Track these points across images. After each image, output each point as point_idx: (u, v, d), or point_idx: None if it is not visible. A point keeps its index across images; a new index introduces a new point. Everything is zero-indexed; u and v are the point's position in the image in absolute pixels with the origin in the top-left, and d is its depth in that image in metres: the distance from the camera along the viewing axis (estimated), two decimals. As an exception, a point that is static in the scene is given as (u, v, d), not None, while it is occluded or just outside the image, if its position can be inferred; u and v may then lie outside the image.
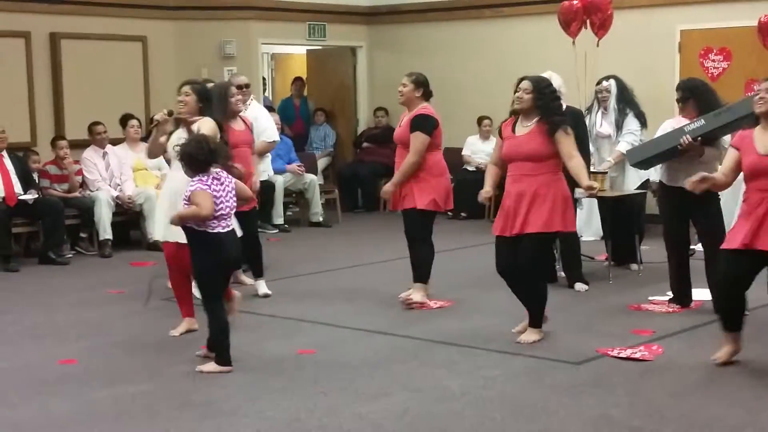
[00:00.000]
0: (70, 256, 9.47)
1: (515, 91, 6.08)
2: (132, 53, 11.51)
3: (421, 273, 7.19)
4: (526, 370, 5.54)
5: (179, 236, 5.83)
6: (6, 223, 9.06)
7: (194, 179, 5.45)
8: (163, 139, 6.50)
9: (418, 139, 6.92)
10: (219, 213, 5.44)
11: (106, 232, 9.70)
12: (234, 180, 5.62)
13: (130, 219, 10.16)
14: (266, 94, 14.29)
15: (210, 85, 7.40)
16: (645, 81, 9.65)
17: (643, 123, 8.39)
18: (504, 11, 12.22)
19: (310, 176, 11.55)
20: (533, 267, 6.07)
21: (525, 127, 6.05)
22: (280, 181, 10.97)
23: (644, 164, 7.20)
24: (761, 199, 5.40)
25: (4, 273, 8.77)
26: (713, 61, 10.47)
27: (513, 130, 6.12)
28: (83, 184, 10.00)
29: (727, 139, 6.68)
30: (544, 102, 5.98)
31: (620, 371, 5.47)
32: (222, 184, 5.49)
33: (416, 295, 7.13)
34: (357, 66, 13.54)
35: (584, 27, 9.88)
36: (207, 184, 5.42)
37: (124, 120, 10.47)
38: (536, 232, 5.92)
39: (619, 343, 5.98)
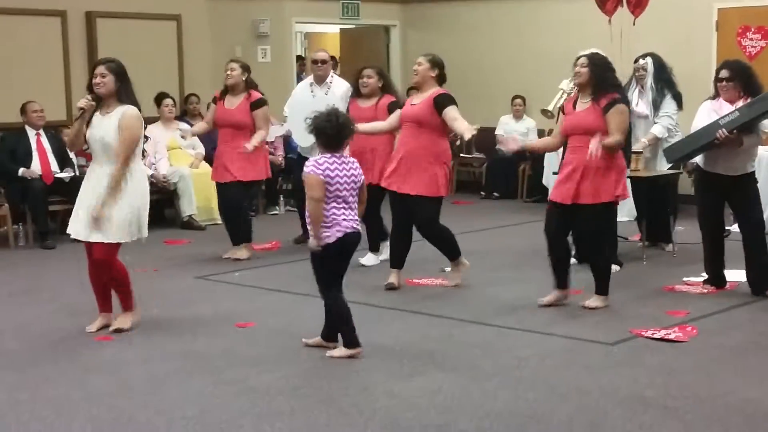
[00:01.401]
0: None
1: (573, 65, 6.40)
2: (166, 32, 11.55)
3: (453, 249, 7.15)
4: (559, 350, 5.53)
5: (100, 236, 5.80)
6: (43, 201, 9.14)
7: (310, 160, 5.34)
8: (85, 128, 5.94)
9: (456, 110, 6.84)
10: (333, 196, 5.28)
11: (143, 211, 9.75)
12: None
13: (164, 197, 10.22)
14: (303, 74, 14.27)
15: None
16: (682, 60, 9.52)
17: (680, 104, 8.27)
18: (539, -10, 12.13)
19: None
20: (597, 235, 6.39)
21: (584, 103, 6.35)
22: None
23: (682, 160, 7.24)
24: None
25: (41, 250, 8.86)
26: (751, 39, 10.33)
27: (574, 107, 6.41)
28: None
29: (765, 123, 6.64)
30: (599, 73, 6.28)
31: (654, 352, 5.45)
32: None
33: (456, 275, 7.15)
34: (390, 45, 13.50)
35: (620, 5, 9.78)
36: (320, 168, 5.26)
37: (159, 99, 10.52)
38: (592, 203, 6.21)
39: (653, 324, 5.95)
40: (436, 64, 6.98)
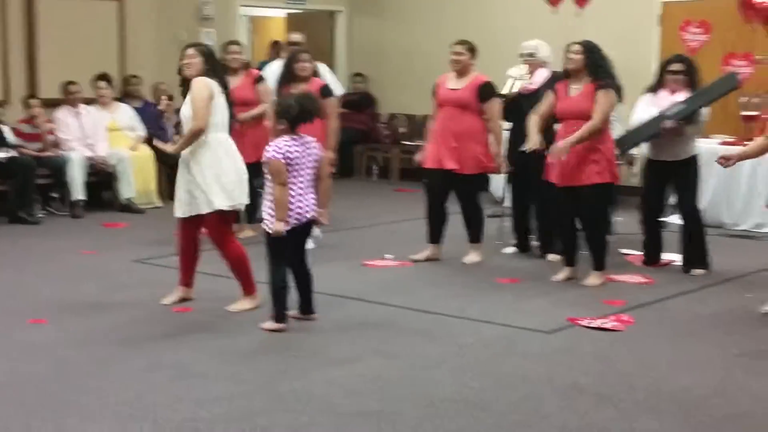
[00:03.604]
0: (41, 216, 9.39)
1: (566, 52, 6.64)
2: (108, 13, 11.38)
3: (481, 231, 7.54)
4: (499, 338, 5.55)
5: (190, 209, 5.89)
6: (-23, 182, 8.97)
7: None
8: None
9: (498, 106, 7.33)
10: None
11: (78, 193, 9.63)
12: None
13: (102, 180, 10.08)
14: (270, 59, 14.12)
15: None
16: (625, 52, 9.61)
17: (619, 95, 8.26)
18: (486, -22, 12.15)
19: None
20: (596, 215, 6.70)
21: (576, 89, 6.63)
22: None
23: (628, 149, 7.56)
24: None
25: (-25, 231, 8.70)
26: (693, 33, 10.43)
27: (566, 92, 6.66)
28: (56, 144, 9.89)
29: (704, 112, 6.91)
30: (593, 61, 6.58)
31: (591, 341, 5.50)
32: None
33: (476, 256, 7.47)
34: (335, 30, 13.44)
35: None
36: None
37: (98, 80, 10.36)
38: (593, 184, 6.54)
39: (590, 313, 6.00)
40: (474, 49, 7.41)
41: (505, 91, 7.51)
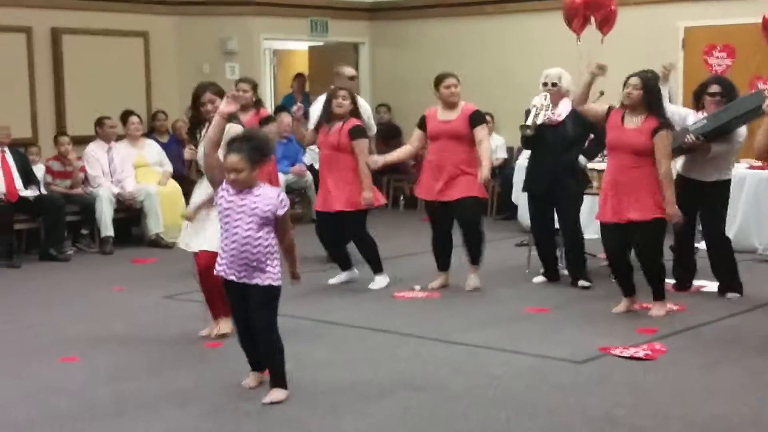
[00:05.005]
0: (70, 252, 9.45)
1: (624, 87, 6.53)
2: (133, 49, 11.48)
3: (478, 254, 7.55)
4: (529, 369, 5.51)
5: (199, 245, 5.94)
6: (7, 219, 9.04)
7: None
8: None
9: (485, 130, 7.48)
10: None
11: (107, 229, 9.69)
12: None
13: (131, 216, 10.14)
14: (292, 91, 14.19)
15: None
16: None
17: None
18: (506, 7, 12.18)
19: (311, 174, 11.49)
20: (652, 250, 6.63)
21: (633, 122, 6.53)
22: (282, 180, 10.92)
23: None
24: None
25: (5, 269, 8.75)
26: (717, 58, 10.43)
27: (622, 121, 6.57)
28: (85, 180, 9.97)
29: (741, 132, 6.86)
30: (653, 95, 6.52)
31: (623, 370, 5.45)
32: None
33: (474, 280, 7.51)
34: (359, 62, 13.50)
35: (588, 23, 9.84)
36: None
37: (125, 116, 10.46)
38: (649, 219, 6.47)
39: (622, 341, 5.95)
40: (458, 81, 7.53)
41: (528, 121, 7.47)
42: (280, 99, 14.19)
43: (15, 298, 7.61)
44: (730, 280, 7.16)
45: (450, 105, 7.44)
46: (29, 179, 9.41)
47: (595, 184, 7.76)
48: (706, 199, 7.05)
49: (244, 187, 4.84)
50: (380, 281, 7.74)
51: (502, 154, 11.88)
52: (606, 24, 9.76)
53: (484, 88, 12.06)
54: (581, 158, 7.46)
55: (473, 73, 12.41)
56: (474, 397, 5.00)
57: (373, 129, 8.53)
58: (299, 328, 6.46)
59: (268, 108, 10.83)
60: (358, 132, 7.63)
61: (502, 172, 11.48)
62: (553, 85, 7.45)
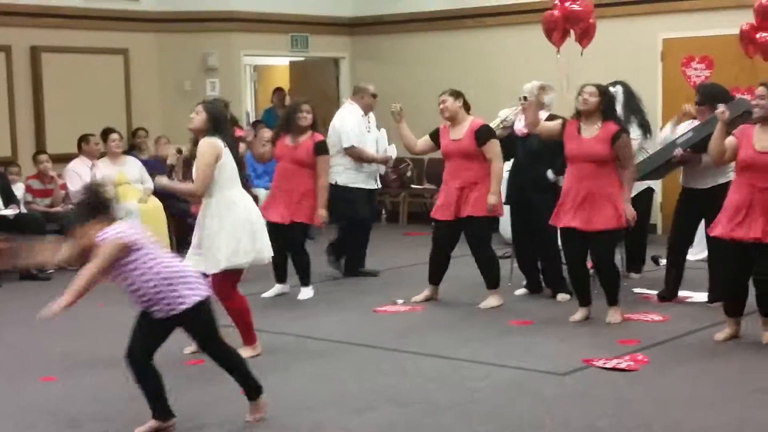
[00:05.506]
0: (52, 271, 9.38)
1: (578, 95, 6.66)
2: (114, 66, 11.46)
3: (497, 277, 7.48)
4: (512, 381, 5.51)
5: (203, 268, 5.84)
6: (-13, 239, 8.98)
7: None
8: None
9: (497, 146, 7.32)
10: None
11: (88, 247, 9.62)
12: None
13: (113, 233, 10.08)
14: (247, 109, 14.23)
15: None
16: (627, 90, 9.64)
17: (646, 131, 8.24)
18: (486, 21, 12.22)
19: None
20: (610, 257, 6.75)
21: (589, 131, 6.62)
22: (262, 194, 10.90)
23: (649, 177, 7.65)
24: (750, 193, 5.91)
25: (-15, 289, 8.70)
26: (695, 69, 10.49)
27: (578, 131, 6.64)
28: (66, 198, 9.92)
29: (729, 140, 6.87)
30: (607, 103, 6.67)
31: (606, 382, 5.45)
32: None
33: (495, 300, 7.42)
34: (340, 77, 13.51)
35: (568, 36, 9.88)
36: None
37: (105, 134, 10.41)
38: (606, 229, 6.56)
39: (604, 353, 5.96)
40: (458, 93, 7.44)
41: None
42: (261, 113, 14.20)
43: (-5, 318, 7.56)
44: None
45: (452, 121, 7.40)
46: (9, 199, 9.35)
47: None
48: (708, 206, 6.95)
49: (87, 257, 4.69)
50: (307, 293, 7.84)
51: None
52: (585, 37, 9.79)
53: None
54: (549, 173, 7.45)
55: (453, 86, 12.39)
56: (458, 411, 4.99)
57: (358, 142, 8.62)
58: (282, 344, 6.45)
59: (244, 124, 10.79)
60: (324, 148, 7.82)
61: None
62: (525, 99, 7.48)
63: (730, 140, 6.10)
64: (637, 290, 7.73)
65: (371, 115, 8.83)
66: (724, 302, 6.27)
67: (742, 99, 7.51)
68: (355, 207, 8.55)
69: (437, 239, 7.59)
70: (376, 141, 8.82)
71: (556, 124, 6.89)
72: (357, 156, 8.53)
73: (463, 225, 7.38)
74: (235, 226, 5.89)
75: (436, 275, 7.65)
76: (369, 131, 8.70)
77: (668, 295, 7.38)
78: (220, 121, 5.93)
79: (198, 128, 5.90)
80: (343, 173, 8.55)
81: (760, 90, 5.98)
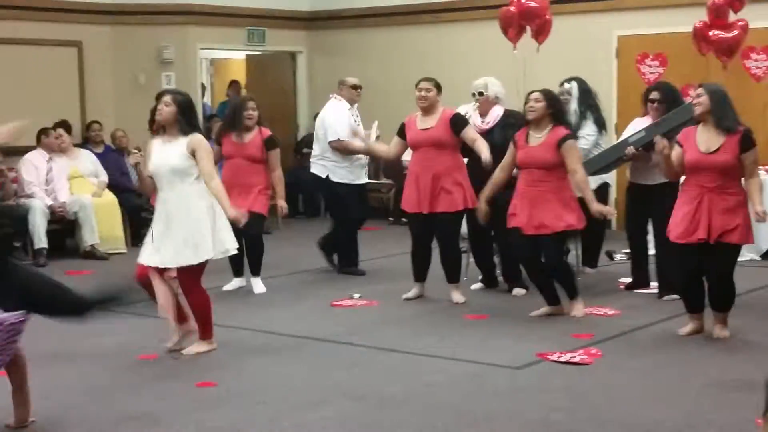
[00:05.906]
0: (3, 265, 9.26)
1: (525, 103, 6.68)
2: (67, 59, 11.32)
3: (457, 272, 7.48)
4: (467, 375, 5.53)
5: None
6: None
7: None
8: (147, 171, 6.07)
9: (473, 130, 7.31)
10: None
11: (40, 241, 9.53)
12: None
13: (65, 227, 9.98)
14: (205, 100, 14.17)
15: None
16: (583, 86, 9.71)
17: (602, 127, 8.28)
18: (443, 17, 12.25)
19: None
20: (560, 256, 6.96)
21: (537, 138, 6.68)
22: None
23: (600, 172, 7.74)
24: (700, 194, 6.01)
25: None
26: (649, 66, 10.60)
27: (526, 140, 6.70)
28: (17, 192, 9.79)
29: (676, 152, 6.95)
30: (556, 108, 6.74)
31: (560, 375, 5.49)
32: None
33: (459, 296, 7.40)
34: (297, 71, 13.47)
35: (524, 32, 9.92)
36: None
37: (57, 127, 10.29)
38: (555, 232, 6.65)
39: (558, 347, 6.00)
40: (439, 86, 7.35)
41: None
42: (217, 106, 14.13)
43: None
44: (670, 282, 7.19)
45: (425, 111, 7.33)
46: (-41, 192, 9.22)
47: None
48: (654, 202, 7.15)
49: None
50: (258, 284, 7.91)
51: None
52: (541, 33, 9.84)
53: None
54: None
55: (410, 81, 12.38)
56: (413, 405, 5.00)
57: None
58: (238, 338, 6.42)
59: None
60: (274, 142, 7.88)
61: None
62: (480, 94, 7.50)
63: (677, 152, 6.19)
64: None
65: (356, 106, 8.77)
66: (683, 300, 6.36)
67: (689, 105, 7.51)
68: (345, 203, 8.55)
69: (416, 235, 7.50)
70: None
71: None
72: (343, 149, 8.45)
73: (435, 219, 7.29)
74: (208, 217, 5.89)
75: (421, 272, 7.55)
76: (358, 124, 8.63)
77: (634, 285, 7.59)
78: (189, 113, 5.93)
79: (167, 120, 5.88)
80: (333, 169, 8.53)
81: (698, 91, 6.13)
